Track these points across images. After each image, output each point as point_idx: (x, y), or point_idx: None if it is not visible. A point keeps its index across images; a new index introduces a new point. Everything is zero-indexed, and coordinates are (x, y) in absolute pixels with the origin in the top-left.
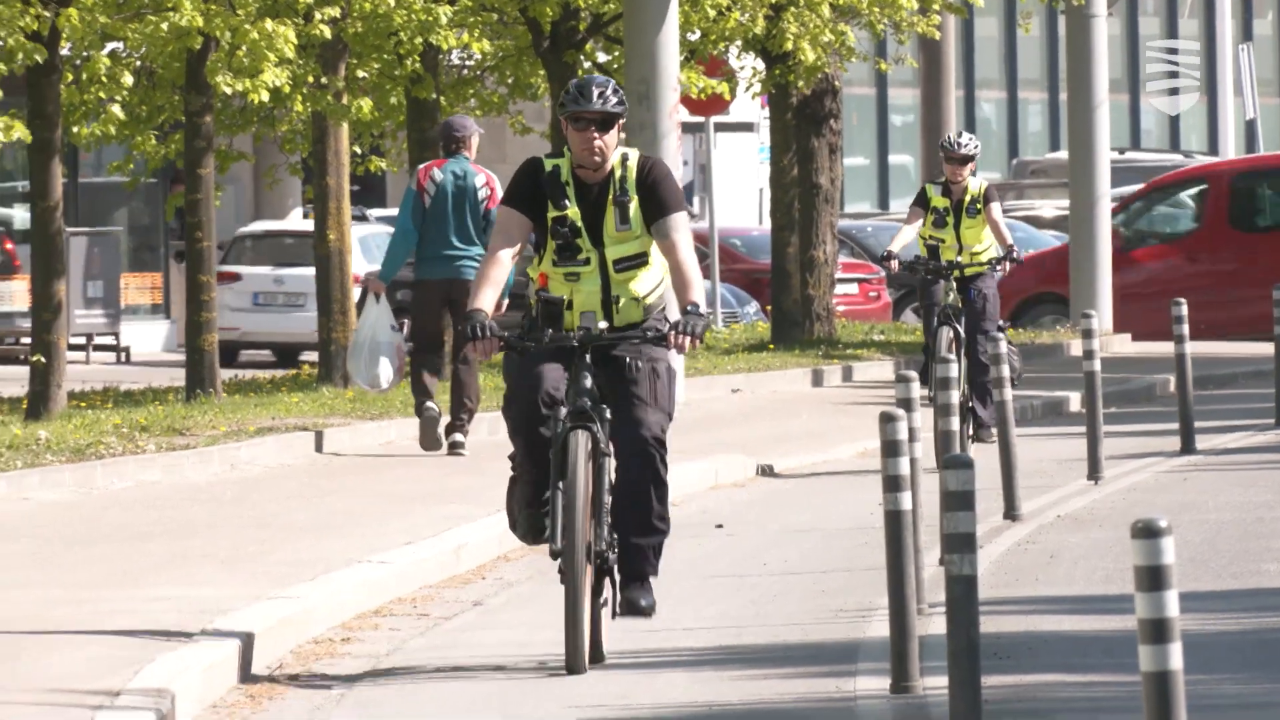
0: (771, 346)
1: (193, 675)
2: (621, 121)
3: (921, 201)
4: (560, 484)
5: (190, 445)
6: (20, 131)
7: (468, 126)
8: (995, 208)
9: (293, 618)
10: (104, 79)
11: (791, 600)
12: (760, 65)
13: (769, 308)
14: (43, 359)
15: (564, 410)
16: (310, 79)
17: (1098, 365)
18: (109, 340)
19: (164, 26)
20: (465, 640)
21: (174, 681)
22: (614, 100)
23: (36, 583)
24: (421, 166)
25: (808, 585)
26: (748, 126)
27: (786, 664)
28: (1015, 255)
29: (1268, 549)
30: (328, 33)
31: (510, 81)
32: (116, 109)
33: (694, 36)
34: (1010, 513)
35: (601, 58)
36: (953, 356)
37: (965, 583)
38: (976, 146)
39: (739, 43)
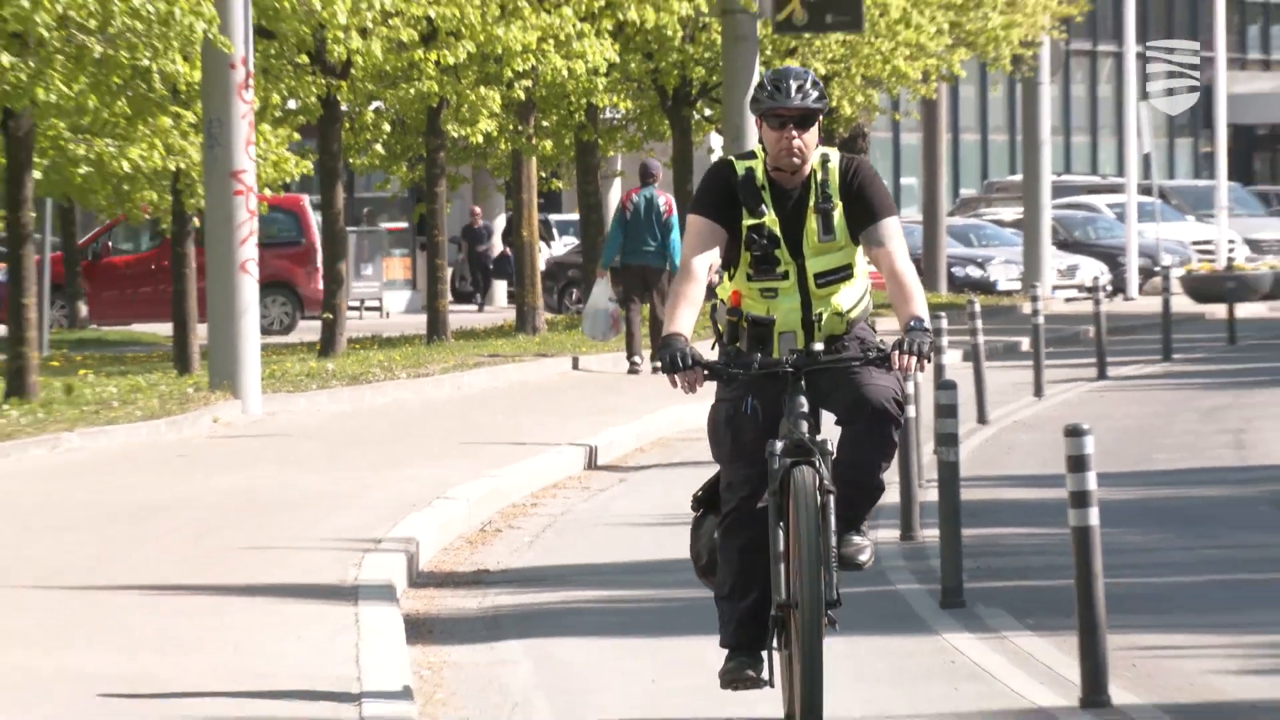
0: None
1: (431, 529)
2: (821, 118)
3: None
4: (781, 525)
5: (429, 374)
6: (305, 168)
7: (657, 168)
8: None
9: (498, 490)
10: (370, 127)
11: None
12: None
13: None
14: (329, 315)
15: (779, 444)
16: (510, 127)
17: (1041, 320)
18: (375, 304)
19: (411, 91)
20: (613, 505)
21: (418, 533)
22: (814, 95)
23: (325, 469)
24: (625, 192)
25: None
26: None
27: None
28: None
29: (1156, 444)
30: (522, 95)
31: (645, 128)
32: (379, 147)
33: None
34: (981, 419)
35: (707, 112)
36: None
37: (950, 467)
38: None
39: None
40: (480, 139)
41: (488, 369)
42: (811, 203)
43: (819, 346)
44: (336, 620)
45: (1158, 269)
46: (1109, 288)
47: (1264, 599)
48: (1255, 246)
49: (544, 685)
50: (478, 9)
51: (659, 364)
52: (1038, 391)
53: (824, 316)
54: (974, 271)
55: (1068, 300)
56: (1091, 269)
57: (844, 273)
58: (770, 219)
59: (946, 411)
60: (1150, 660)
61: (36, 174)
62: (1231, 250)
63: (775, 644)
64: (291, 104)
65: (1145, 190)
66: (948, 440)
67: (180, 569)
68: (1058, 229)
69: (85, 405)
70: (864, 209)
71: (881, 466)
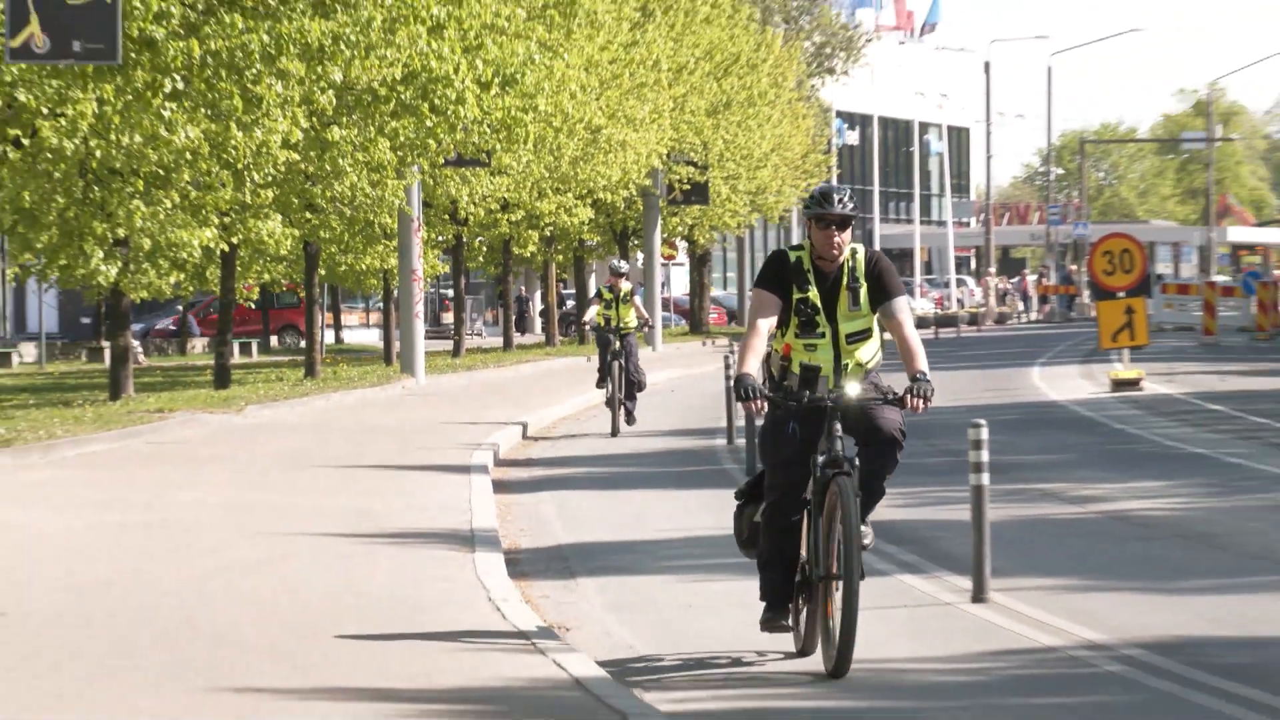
0: None
1: (506, 438)
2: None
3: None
4: (820, 514)
5: (504, 364)
6: (441, 269)
7: (622, 265)
8: (636, 299)
9: (541, 419)
10: (477, 248)
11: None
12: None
13: None
14: (457, 337)
15: (821, 458)
16: (542, 250)
17: None
18: (478, 333)
19: (494, 232)
20: (595, 424)
21: (499, 440)
22: (850, 205)
23: (455, 411)
24: (605, 279)
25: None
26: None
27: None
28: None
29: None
30: (548, 233)
31: (605, 249)
32: (481, 259)
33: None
34: None
35: (635, 241)
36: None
37: None
38: None
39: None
40: (528, 255)
41: (531, 363)
42: (844, 282)
43: (854, 389)
44: (459, 481)
45: None
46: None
47: None
48: None
49: (561, 516)
50: (530, 191)
51: (737, 393)
52: None
53: (849, 366)
54: None
55: None
56: None
57: (866, 334)
58: (813, 294)
59: None
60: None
61: (321, 271)
62: None
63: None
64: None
65: None
66: None
67: (389, 456)
68: None
69: (343, 379)
70: (881, 290)
71: (885, 477)
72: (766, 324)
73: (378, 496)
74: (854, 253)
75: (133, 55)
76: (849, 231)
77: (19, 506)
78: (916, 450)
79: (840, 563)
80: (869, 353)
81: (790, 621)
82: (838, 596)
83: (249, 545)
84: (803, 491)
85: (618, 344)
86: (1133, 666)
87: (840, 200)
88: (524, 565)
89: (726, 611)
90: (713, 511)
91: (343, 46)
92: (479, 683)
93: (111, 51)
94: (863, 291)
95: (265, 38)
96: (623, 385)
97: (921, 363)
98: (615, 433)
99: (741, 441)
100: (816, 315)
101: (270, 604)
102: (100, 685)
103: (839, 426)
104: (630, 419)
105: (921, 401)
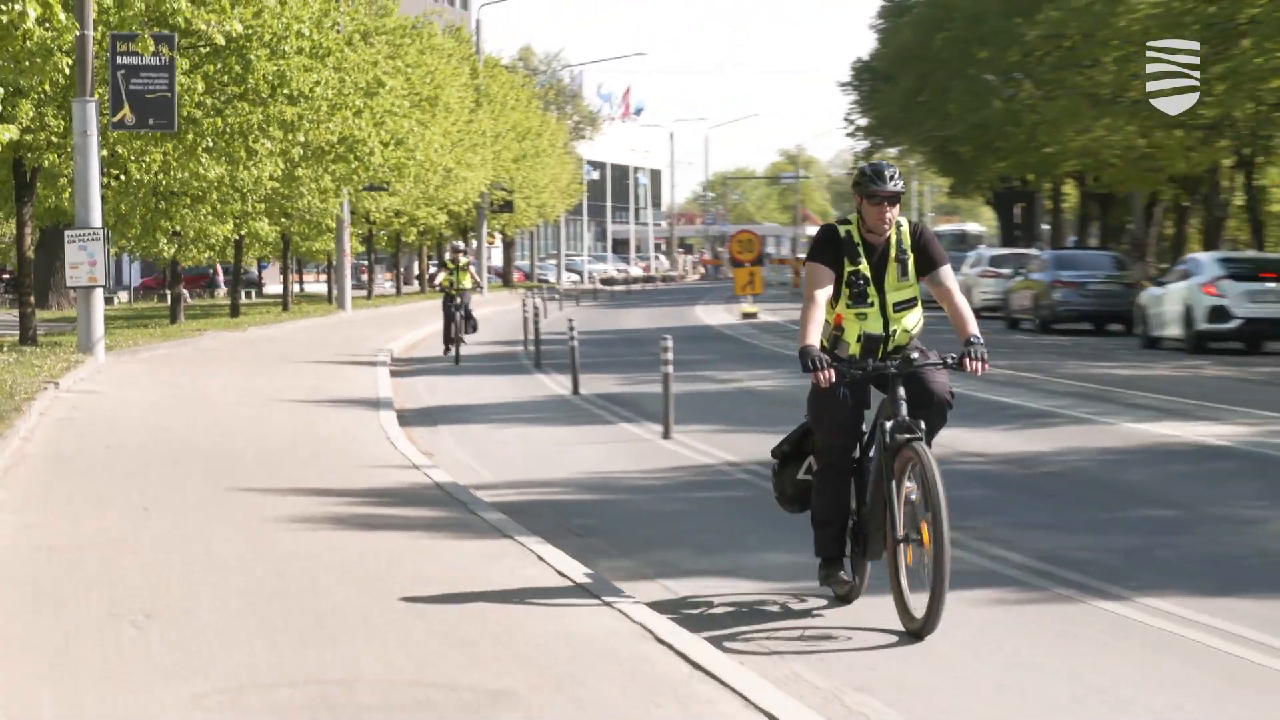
0: None
1: (397, 346)
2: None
3: None
4: (892, 478)
5: (371, 303)
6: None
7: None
8: (471, 269)
9: (415, 335)
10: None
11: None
12: None
13: None
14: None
15: (889, 423)
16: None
17: None
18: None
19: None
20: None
21: (392, 348)
22: (899, 183)
23: (365, 331)
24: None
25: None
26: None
27: None
28: None
29: None
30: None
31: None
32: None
33: None
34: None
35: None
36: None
37: None
38: None
39: None
40: (410, 241)
41: (412, 304)
42: (892, 254)
43: (915, 355)
44: (370, 371)
45: None
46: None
47: None
48: None
49: (428, 391)
50: (411, 205)
51: (806, 366)
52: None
53: (896, 332)
54: None
55: None
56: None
57: (912, 302)
58: (864, 267)
59: None
60: None
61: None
62: None
63: (851, 552)
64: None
65: None
66: None
67: (330, 355)
68: None
69: (305, 311)
70: (927, 259)
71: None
72: (824, 294)
73: (323, 379)
74: (898, 226)
75: (183, 126)
76: (898, 207)
77: (116, 385)
78: (629, 353)
79: (924, 527)
80: (914, 320)
81: (845, 574)
82: (905, 556)
83: (248, 407)
84: (853, 452)
85: (458, 299)
86: (751, 475)
87: (891, 177)
88: (407, 419)
89: (522, 444)
90: (515, 388)
91: (305, 122)
92: (381, 485)
93: (171, 124)
94: (910, 262)
95: (260, 116)
96: (461, 327)
97: (973, 326)
98: (457, 362)
99: (534, 348)
100: (867, 286)
101: (259, 440)
102: (167, 483)
103: (902, 391)
104: (460, 353)
105: (980, 364)
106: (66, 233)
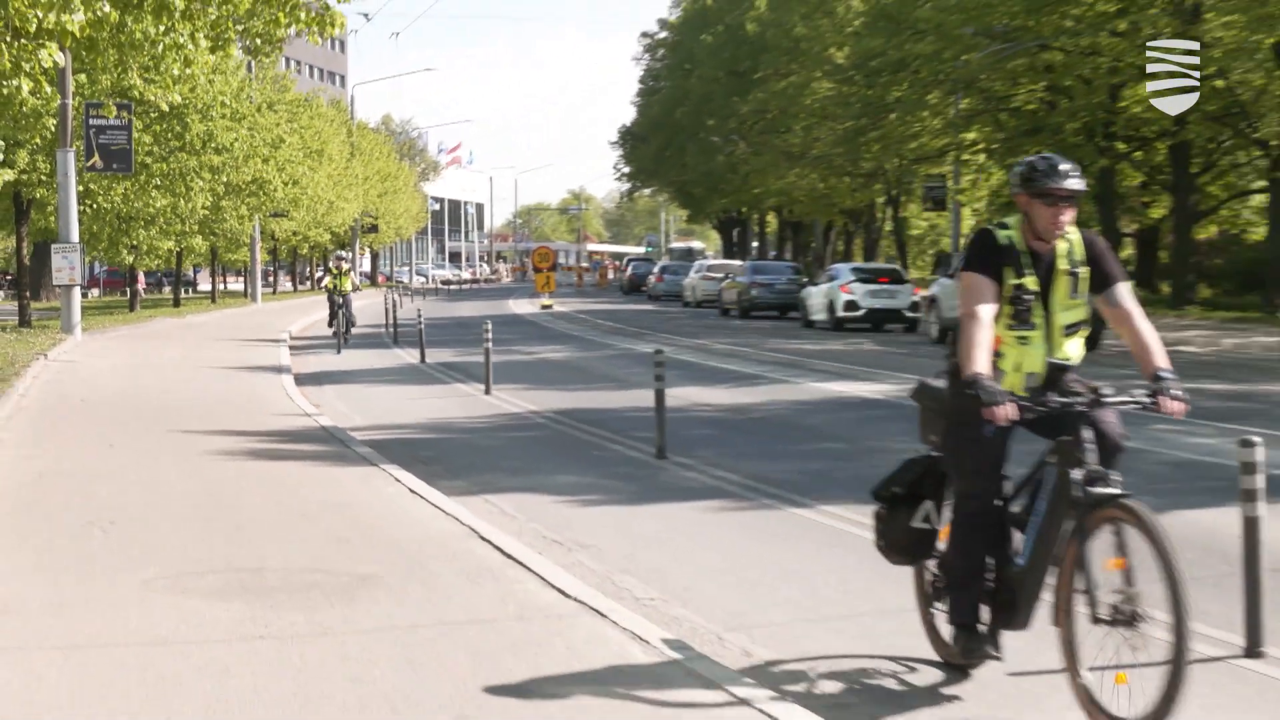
0: None
1: (295, 328)
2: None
3: None
4: (1087, 538)
5: (280, 299)
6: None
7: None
8: (352, 274)
9: (309, 320)
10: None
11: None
12: None
13: None
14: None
15: (1078, 474)
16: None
17: None
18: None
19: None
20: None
21: (292, 329)
22: (1080, 181)
23: (272, 317)
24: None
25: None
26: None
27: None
28: None
29: None
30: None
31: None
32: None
33: None
34: None
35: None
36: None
37: None
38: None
39: None
40: (305, 253)
41: (307, 299)
42: (1062, 267)
43: (1108, 390)
44: (276, 347)
45: None
46: None
47: None
48: None
49: (318, 362)
50: (306, 226)
51: (980, 399)
52: None
53: (1070, 361)
54: None
55: None
56: None
57: (1083, 325)
58: (1030, 280)
59: None
60: None
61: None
62: None
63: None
64: (268, 247)
65: None
66: None
67: (247, 335)
68: None
69: (227, 304)
70: (1102, 275)
71: None
72: (989, 310)
73: (242, 352)
74: (1067, 233)
75: (138, 170)
76: (1075, 210)
77: (89, 356)
78: (461, 333)
79: (1172, 608)
80: (1079, 347)
81: (994, 649)
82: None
83: (188, 373)
84: (996, 499)
85: (340, 300)
86: (547, 420)
87: (1068, 173)
88: (302, 381)
89: (384, 398)
90: (380, 358)
91: (227, 167)
92: (283, 428)
93: (129, 168)
94: (1083, 276)
95: (195, 163)
96: (344, 323)
97: (1163, 358)
98: (339, 351)
99: (393, 330)
100: (1034, 304)
101: (195, 396)
102: (126, 427)
103: (1091, 434)
104: (346, 342)
105: (1179, 405)
106: (53, 246)
